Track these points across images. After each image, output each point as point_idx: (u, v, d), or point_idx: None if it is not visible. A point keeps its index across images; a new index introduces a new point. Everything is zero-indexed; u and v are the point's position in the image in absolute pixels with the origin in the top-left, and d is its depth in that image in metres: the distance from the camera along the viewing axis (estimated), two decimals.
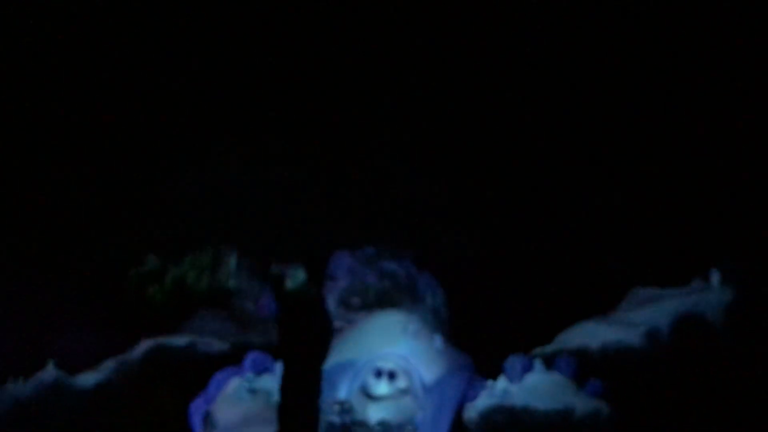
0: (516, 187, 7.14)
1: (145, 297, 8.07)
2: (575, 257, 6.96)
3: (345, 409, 5.12)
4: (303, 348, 6.57)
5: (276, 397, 5.08)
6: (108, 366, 7.07)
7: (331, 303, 7.76)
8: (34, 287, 6.68)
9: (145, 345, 7.39)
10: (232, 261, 9.13)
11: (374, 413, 5.33)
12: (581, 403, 4.96)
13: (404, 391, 5.49)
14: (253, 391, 5.13)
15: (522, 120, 6.41)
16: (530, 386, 5.13)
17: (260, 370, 5.33)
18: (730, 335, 5.22)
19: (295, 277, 9.25)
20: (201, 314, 8.39)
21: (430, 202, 7.93)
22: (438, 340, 6.00)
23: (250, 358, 5.35)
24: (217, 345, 7.66)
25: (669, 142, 5.94)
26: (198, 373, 6.17)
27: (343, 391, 5.56)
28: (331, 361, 5.69)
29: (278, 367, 5.38)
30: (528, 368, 5.31)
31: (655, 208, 6.18)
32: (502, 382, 5.29)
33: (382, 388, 5.47)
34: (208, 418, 5.12)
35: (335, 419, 4.92)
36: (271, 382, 5.23)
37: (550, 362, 5.41)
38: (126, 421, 6.55)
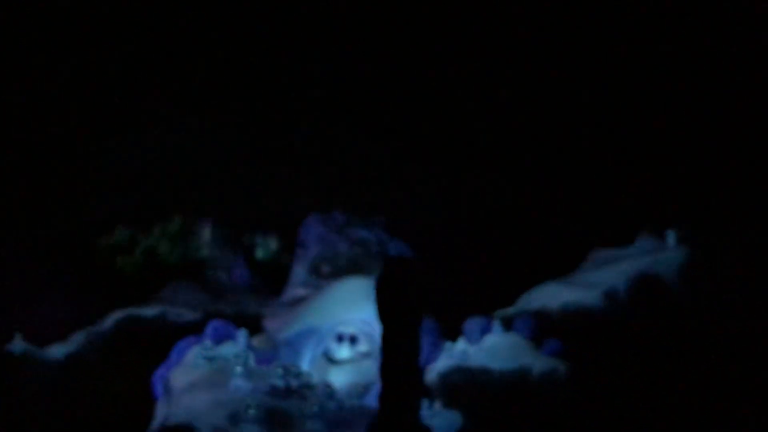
0: (479, 152, 7.18)
1: (115, 268, 8.10)
2: (537, 221, 7.03)
3: (293, 373, 5.19)
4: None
5: (239, 362, 5.15)
6: (77, 338, 7.14)
7: (302, 271, 7.80)
8: (2, 261, 6.70)
9: (115, 316, 7.44)
10: (206, 231, 9.17)
11: (335, 377, 5.43)
12: (538, 363, 5.06)
13: (366, 355, 5.58)
14: (210, 359, 5.19)
15: (483, 83, 6.42)
16: (488, 347, 5.22)
17: (221, 338, 5.40)
18: (684, 293, 5.31)
19: (267, 246, 9.33)
20: (173, 285, 8.46)
21: (396, 169, 7.96)
22: None
23: (211, 326, 5.42)
24: (187, 315, 7.74)
25: (627, 107, 5.97)
26: (168, 343, 6.23)
27: (307, 356, 5.65)
28: (295, 327, 5.77)
29: (241, 334, 5.44)
30: (487, 330, 5.40)
31: (614, 171, 6.24)
32: (461, 344, 5.38)
33: (343, 352, 5.56)
34: (166, 384, 5.20)
35: (278, 383, 4.99)
36: (232, 349, 5.29)
37: (509, 324, 5.50)
38: (96, 391, 6.63)
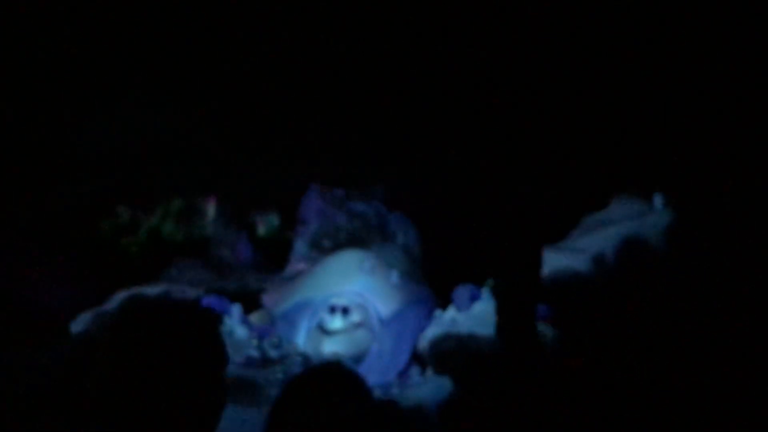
0: (471, 120, 7.21)
1: (119, 249, 8.26)
2: (528, 190, 7.08)
3: (272, 344, 5.34)
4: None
5: (234, 336, 5.31)
6: (84, 318, 7.34)
7: (303, 246, 7.94)
8: (3, 243, 6.88)
9: (120, 296, 7.63)
10: (209, 210, 9.32)
11: (328, 346, 5.59)
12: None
13: (358, 325, 5.72)
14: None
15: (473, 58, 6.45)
16: (477, 314, 5.34)
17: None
18: (671, 257, 5.38)
19: (269, 223, 9.46)
20: (177, 264, 8.63)
21: (393, 140, 8.02)
22: (394, 275, 6.21)
23: (204, 302, 5.57)
24: (191, 292, 7.90)
25: (612, 71, 5.98)
26: (172, 319, 6.38)
27: (303, 329, 5.81)
28: (290, 301, 5.92)
29: (235, 309, 5.59)
30: (476, 297, 5.51)
31: (601, 133, 6.27)
32: (450, 312, 5.50)
33: (336, 323, 5.72)
34: None
35: (254, 353, 5.15)
36: (226, 323, 5.45)
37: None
38: (104, 371, 6.83)
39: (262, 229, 9.50)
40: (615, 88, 6.01)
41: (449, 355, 5.13)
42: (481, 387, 5.06)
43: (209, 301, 5.56)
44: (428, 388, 5.07)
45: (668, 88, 5.77)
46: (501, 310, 4.51)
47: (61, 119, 7.36)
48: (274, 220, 9.35)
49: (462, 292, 5.51)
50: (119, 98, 7.71)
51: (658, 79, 5.79)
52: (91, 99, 7.54)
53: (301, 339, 5.73)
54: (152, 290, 7.78)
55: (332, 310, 5.73)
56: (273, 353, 5.20)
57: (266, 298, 6.26)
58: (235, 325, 5.36)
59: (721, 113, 5.46)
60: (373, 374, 5.70)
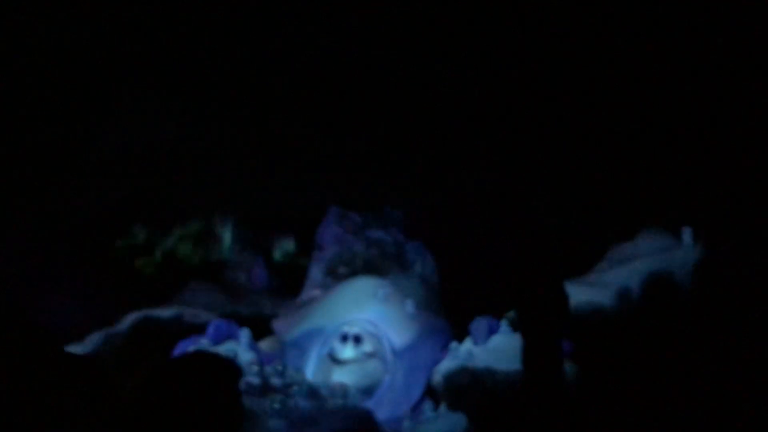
0: (492, 149, 7.01)
1: (134, 269, 8.11)
2: (551, 220, 6.83)
3: (276, 372, 5.10)
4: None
5: (237, 360, 5.08)
6: (94, 338, 7.17)
7: (318, 272, 7.73)
8: (19, 259, 6.74)
9: (132, 317, 7.45)
10: (227, 233, 9.17)
11: (339, 376, 5.33)
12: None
13: (370, 355, 5.47)
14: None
15: (492, 78, 6.24)
16: (494, 347, 5.07)
17: (222, 337, 5.34)
18: (698, 293, 5.09)
19: (285, 248, 9.28)
20: (192, 286, 8.47)
21: (412, 167, 7.82)
22: (410, 305, 5.96)
23: (213, 325, 5.36)
24: (204, 316, 7.70)
25: (639, 98, 5.75)
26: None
27: (313, 357, 5.56)
28: (301, 328, 5.69)
29: (243, 334, 5.37)
30: (494, 330, 5.24)
31: (628, 167, 6.02)
32: (467, 344, 5.23)
33: (347, 352, 5.46)
34: None
35: (254, 380, 4.90)
36: (232, 348, 5.23)
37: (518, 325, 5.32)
38: (112, 392, 6.63)
39: (278, 254, 9.34)
40: (645, 116, 5.77)
41: (464, 390, 4.86)
42: (497, 425, 4.78)
43: (218, 324, 5.35)
44: (441, 424, 4.79)
45: (699, 119, 5.53)
46: (527, 347, 4.22)
47: (78, 133, 7.25)
48: (290, 244, 9.18)
49: (480, 324, 5.24)
50: (140, 114, 7.59)
51: (690, 111, 5.55)
52: (112, 114, 7.42)
53: (311, 368, 5.48)
54: (164, 312, 7.61)
55: (344, 338, 5.48)
56: (275, 381, 4.96)
57: (277, 325, 6.03)
58: (241, 350, 5.13)
59: (755, 148, 5.20)
60: (384, 407, 5.45)
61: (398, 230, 8.26)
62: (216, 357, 1.93)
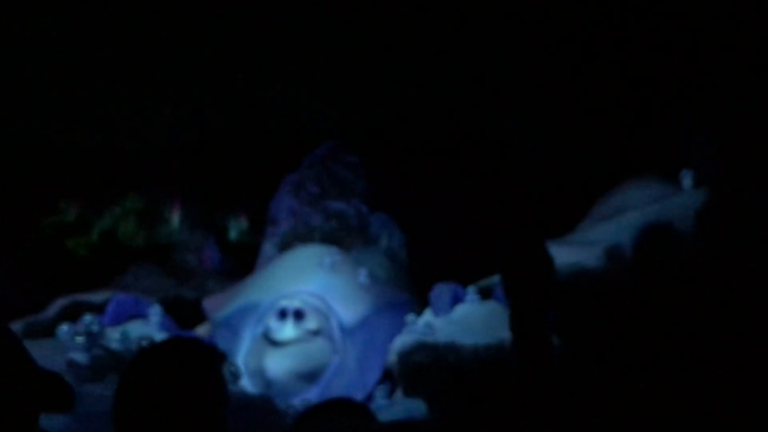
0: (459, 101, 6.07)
1: (65, 251, 7.08)
2: (526, 173, 5.87)
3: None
4: None
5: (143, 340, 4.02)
6: (15, 328, 6.16)
7: (272, 249, 6.71)
8: None
9: (59, 303, 6.44)
10: (173, 211, 8.19)
11: (276, 361, 4.29)
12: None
13: (314, 333, 4.45)
14: (78, 334, 4.01)
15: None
16: (459, 318, 4.04)
17: (124, 316, 4.28)
18: (704, 246, 4.09)
19: (239, 227, 8.30)
20: (133, 269, 7.47)
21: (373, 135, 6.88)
22: (363, 275, 4.94)
23: (113, 302, 4.30)
24: (144, 301, 6.74)
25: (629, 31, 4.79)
26: None
27: (246, 338, 4.53)
28: (232, 306, 4.64)
29: (154, 311, 4.33)
30: (459, 298, 4.22)
31: (611, 101, 5.06)
32: (426, 316, 4.20)
33: (286, 331, 4.41)
34: None
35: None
36: (139, 329, 4.18)
37: (488, 293, 4.32)
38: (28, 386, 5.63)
39: (233, 233, 8.38)
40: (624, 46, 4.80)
41: (423, 370, 3.83)
42: (463, 412, 3.76)
43: (120, 300, 4.30)
44: (395, 412, 3.77)
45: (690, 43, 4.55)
46: (514, 318, 3.31)
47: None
48: (243, 222, 8.21)
49: (441, 292, 4.21)
50: (73, 85, 6.50)
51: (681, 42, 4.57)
52: (39, 86, 6.33)
53: (243, 351, 4.44)
54: (96, 297, 6.54)
55: (282, 314, 4.43)
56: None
57: (207, 303, 4.99)
58: (150, 330, 4.09)
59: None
60: (335, 395, 4.42)
61: (360, 201, 7.28)
62: (196, 343, 1.77)
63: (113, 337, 3.79)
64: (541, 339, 3.48)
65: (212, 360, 1.74)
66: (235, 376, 4.01)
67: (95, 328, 3.71)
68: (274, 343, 4.30)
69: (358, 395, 4.47)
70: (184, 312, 5.86)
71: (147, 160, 7.59)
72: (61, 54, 5.83)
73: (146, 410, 1.64)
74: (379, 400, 3.99)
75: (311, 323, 4.34)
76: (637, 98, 4.86)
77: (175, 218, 8.13)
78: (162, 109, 6.99)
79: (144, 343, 3.81)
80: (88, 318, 3.84)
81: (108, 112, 6.88)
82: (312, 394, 4.19)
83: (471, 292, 4.12)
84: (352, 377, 4.43)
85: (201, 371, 1.71)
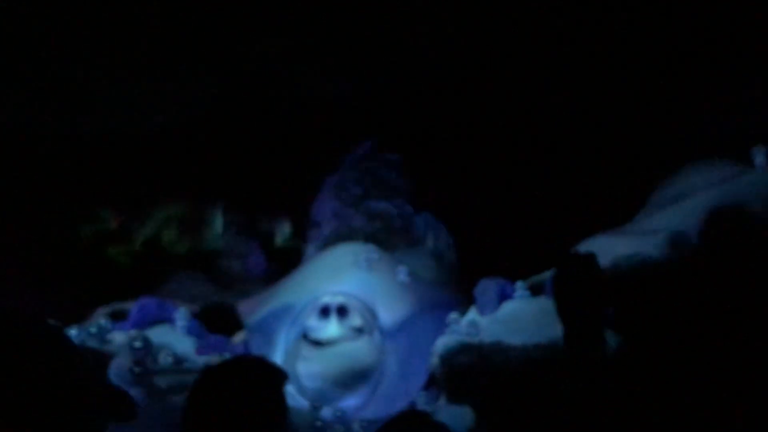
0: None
1: (106, 259, 6.94)
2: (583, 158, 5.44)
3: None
4: None
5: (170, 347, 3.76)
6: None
7: (314, 252, 6.43)
8: None
9: (101, 313, 6.29)
10: (218, 218, 8.01)
11: (314, 366, 3.94)
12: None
13: (359, 331, 4.09)
14: (91, 336, 3.76)
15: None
16: (506, 316, 3.63)
17: (148, 320, 4.02)
18: None
19: (283, 232, 8.08)
20: (177, 277, 7.29)
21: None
22: (402, 273, 4.58)
23: (137, 306, 4.04)
24: (185, 307, 6.55)
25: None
26: None
27: (280, 342, 4.21)
28: (265, 310, 4.33)
29: (180, 316, 4.05)
30: (507, 294, 3.81)
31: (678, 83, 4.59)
32: (470, 315, 3.80)
33: (331, 329, 4.04)
34: None
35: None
36: (163, 333, 3.91)
37: (539, 289, 3.91)
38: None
39: (278, 238, 8.16)
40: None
41: (467, 373, 3.44)
42: (516, 419, 3.36)
43: (144, 304, 4.04)
44: (441, 420, 3.38)
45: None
46: (565, 316, 2.98)
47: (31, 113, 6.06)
48: (286, 227, 7.97)
49: (486, 288, 3.81)
50: (108, 80, 6.32)
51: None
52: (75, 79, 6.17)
53: (279, 355, 4.12)
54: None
55: (324, 312, 4.08)
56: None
57: (242, 307, 4.70)
58: (175, 336, 3.81)
59: None
60: (375, 404, 4.06)
61: (404, 200, 6.94)
62: (260, 362, 1.78)
63: (166, 362, 3.52)
64: (593, 338, 3.10)
65: (275, 379, 1.77)
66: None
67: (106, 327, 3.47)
68: (316, 344, 3.96)
69: (401, 403, 4.11)
70: (228, 318, 5.63)
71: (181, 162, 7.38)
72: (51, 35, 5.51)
73: (213, 427, 1.66)
74: (422, 408, 3.62)
75: (356, 320, 4.00)
76: (693, 71, 4.39)
77: (219, 224, 7.95)
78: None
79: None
80: (102, 321, 3.61)
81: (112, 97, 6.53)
82: (352, 402, 3.84)
83: (520, 287, 3.70)
84: (394, 383, 4.07)
85: (265, 390, 1.73)
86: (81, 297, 6.40)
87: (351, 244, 4.68)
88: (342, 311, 3.96)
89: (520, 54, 5.86)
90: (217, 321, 5.43)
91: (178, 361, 3.56)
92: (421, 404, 3.67)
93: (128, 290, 6.60)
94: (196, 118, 7.02)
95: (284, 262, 7.56)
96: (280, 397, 1.72)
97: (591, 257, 3.70)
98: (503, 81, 6.38)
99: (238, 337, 4.95)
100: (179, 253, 7.60)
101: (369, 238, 6.24)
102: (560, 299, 3.35)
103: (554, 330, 3.39)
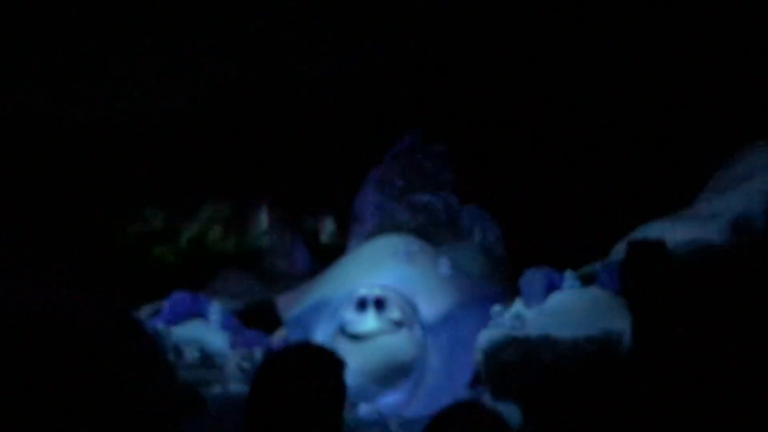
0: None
1: (151, 259, 6.91)
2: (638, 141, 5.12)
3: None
4: None
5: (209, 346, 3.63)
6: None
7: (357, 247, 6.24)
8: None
9: (146, 309, 6.25)
10: (264, 217, 7.92)
11: (360, 357, 3.74)
12: (630, 327, 3.14)
13: (398, 324, 3.89)
14: None
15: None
16: (554, 308, 3.37)
17: (181, 315, 3.89)
18: None
19: (326, 228, 7.95)
20: (223, 275, 7.23)
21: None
22: (444, 265, 4.35)
23: (170, 301, 3.92)
24: (230, 305, 6.46)
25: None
26: None
27: (318, 336, 4.03)
28: (303, 304, 4.16)
29: (214, 310, 3.92)
30: (555, 285, 3.55)
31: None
32: (515, 306, 3.55)
33: (368, 322, 3.85)
34: None
35: (246, 365, 3.39)
36: (196, 329, 3.77)
37: (591, 279, 3.63)
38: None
39: (322, 235, 8.03)
40: None
41: (512, 369, 3.20)
42: (567, 418, 3.10)
43: (178, 299, 3.92)
44: None
45: None
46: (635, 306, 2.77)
47: (78, 103, 6.02)
48: (330, 223, 7.83)
49: (533, 277, 3.55)
50: (152, 75, 6.22)
51: None
52: (120, 76, 6.09)
53: None
54: None
55: (361, 304, 3.89)
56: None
57: (280, 301, 4.55)
58: (209, 331, 3.67)
59: None
60: (416, 401, 3.84)
61: (449, 193, 6.71)
62: (320, 349, 1.72)
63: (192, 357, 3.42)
64: (665, 330, 2.93)
65: (336, 365, 1.77)
66: None
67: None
68: (353, 338, 3.77)
69: (445, 401, 3.86)
70: (272, 316, 5.52)
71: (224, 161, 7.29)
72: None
73: (278, 413, 1.67)
74: None
75: (394, 312, 3.79)
76: (750, 50, 4.05)
77: (264, 222, 7.86)
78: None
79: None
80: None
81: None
82: (391, 399, 3.63)
83: (569, 277, 3.43)
84: (437, 380, 3.85)
85: (328, 376, 1.75)
86: (127, 295, 6.36)
87: (390, 236, 4.46)
88: (380, 304, 3.76)
89: (574, 37, 5.57)
90: (260, 318, 5.31)
91: (207, 356, 3.43)
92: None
93: (174, 288, 6.54)
94: (215, 99, 6.79)
95: (328, 259, 7.41)
96: (342, 384, 1.73)
97: (661, 244, 3.42)
98: (551, 67, 6.10)
99: (280, 334, 4.81)
100: (225, 251, 7.54)
101: (413, 232, 6.02)
102: (630, 288, 3.09)
103: (609, 321, 3.12)
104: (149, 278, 6.75)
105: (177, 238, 7.21)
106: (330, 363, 1.74)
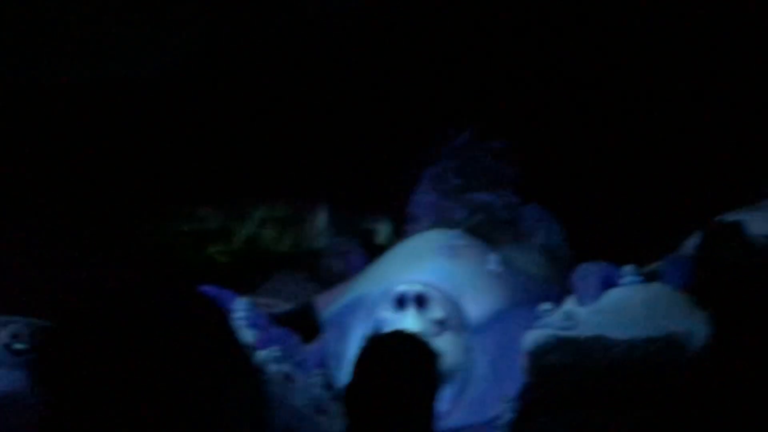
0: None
1: (204, 258, 6.83)
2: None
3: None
4: None
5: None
6: None
7: None
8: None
9: None
10: (321, 218, 7.77)
11: None
12: (701, 329, 2.71)
13: (441, 325, 3.57)
14: None
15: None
16: (610, 306, 2.97)
17: None
18: None
19: (384, 228, 7.71)
20: (277, 276, 7.10)
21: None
22: (493, 261, 4.00)
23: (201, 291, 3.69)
24: (281, 307, 6.30)
25: None
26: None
27: (355, 337, 3.75)
28: (340, 302, 3.91)
29: (240, 306, 3.73)
30: (611, 281, 3.14)
31: None
32: (566, 304, 3.15)
33: (407, 322, 3.53)
34: None
35: (274, 367, 3.14)
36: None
37: (654, 276, 3.22)
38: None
39: (379, 236, 7.80)
40: None
41: (562, 373, 2.81)
42: (624, 428, 2.69)
43: (207, 291, 3.70)
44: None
45: None
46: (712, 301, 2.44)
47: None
48: (388, 224, 7.60)
49: (587, 272, 3.16)
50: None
51: None
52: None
53: (352, 352, 3.65)
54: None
55: (400, 302, 3.58)
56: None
57: (319, 300, 4.31)
58: (238, 327, 3.42)
59: None
60: (462, 409, 3.50)
61: (510, 191, 6.38)
62: (414, 338, 1.89)
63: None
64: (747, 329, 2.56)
65: (431, 356, 1.77)
66: None
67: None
68: None
69: (494, 409, 3.51)
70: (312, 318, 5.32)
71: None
72: None
73: (377, 400, 1.69)
74: (508, 416, 3.01)
75: (437, 312, 3.47)
76: None
77: (320, 223, 7.69)
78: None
79: None
80: None
81: None
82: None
83: (629, 272, 3.02)
84: (484, 386, 3.50)
85: (425, 365, 1.74)
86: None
87: (434, 231, 4.15)
88: (420, 301, 3.44)
89: (648, 34, 5.23)
90: (307, 319, 5.08)
91: None
92: (509, 410, 3.07)
93: (229, 289, 6.40)
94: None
95: None
96: (436, 375, 1.74)
97: (739, 227, 2.99)
98: (618, 58, 5.74)
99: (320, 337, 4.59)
100: (280, 252, 7.41)
101: (470, 231, 5.71)
102: (705, 281, 2.70)
103: (674, 321, 2.71)
104: (202, 279, 6.64)
105: (231, 238, 7.11)
106: (425, 352, 1.80)
